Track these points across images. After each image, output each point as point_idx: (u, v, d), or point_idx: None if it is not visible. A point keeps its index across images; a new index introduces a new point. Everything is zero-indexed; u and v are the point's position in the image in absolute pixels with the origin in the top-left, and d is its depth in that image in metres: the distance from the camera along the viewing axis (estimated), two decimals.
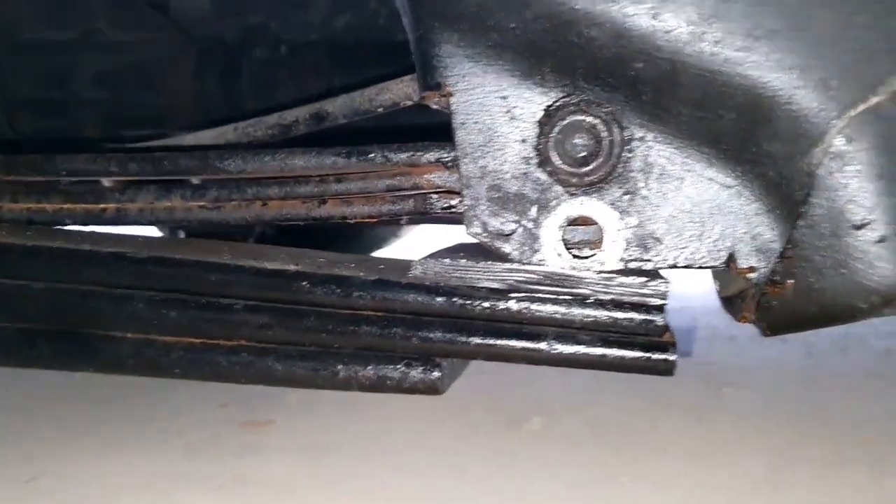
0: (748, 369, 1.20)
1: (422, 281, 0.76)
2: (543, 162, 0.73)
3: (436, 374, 0.76)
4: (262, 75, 1.56)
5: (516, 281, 0.74)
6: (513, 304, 0.74)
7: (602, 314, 0.72)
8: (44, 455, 0.95)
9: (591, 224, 0.74)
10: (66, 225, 0.87)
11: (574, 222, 0.74)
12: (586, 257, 0.73)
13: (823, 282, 0.66)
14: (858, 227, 0.64)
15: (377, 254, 2.07)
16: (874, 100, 0.64)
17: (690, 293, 1.61)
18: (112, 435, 1.02)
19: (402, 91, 0.86)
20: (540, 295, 0.74)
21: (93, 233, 0.88)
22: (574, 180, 0.73)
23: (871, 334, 1.30)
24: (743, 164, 0.69)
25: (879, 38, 0.63)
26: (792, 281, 0.68)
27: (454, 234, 0.88)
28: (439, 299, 0.75)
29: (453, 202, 0.78)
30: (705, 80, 0.67)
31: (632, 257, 0.73)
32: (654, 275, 0.73)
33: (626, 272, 0.73)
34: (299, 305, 0.78)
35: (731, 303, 0.78)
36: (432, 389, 0.76)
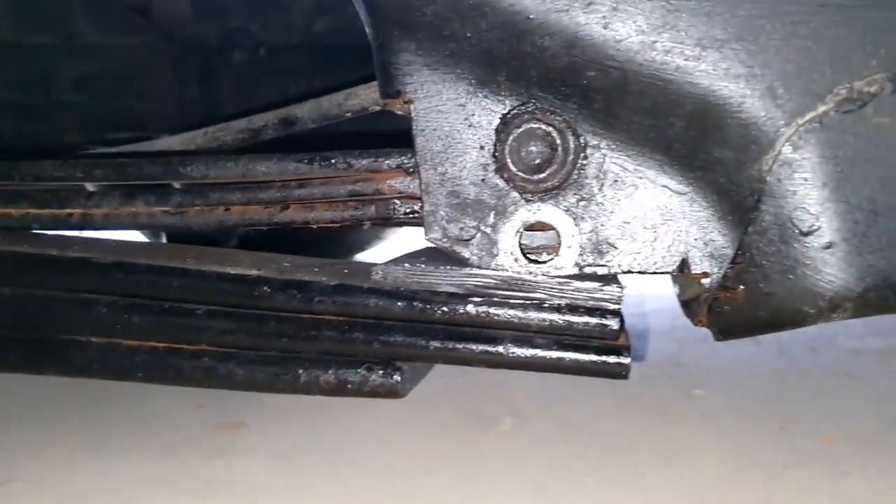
0: (720, 371, 1.21)
1: (382, 286, 0.77)
2: (500, 169, 0.74)
3: (396, 377, 0.77)
4: (242, 78, 1.57)
5: (475, 285, 0.75)
6: (471, 309, 0.75)
7: (558, 318, 0.73)
8: (15, 459, 0.96)
9: (548, 230, 0.75)
10: (34, 230, 0.87)
11: (532, 228, 0.75)
12: (543, 262, 0.74)
13: (773, 287, 0.67)
14: (806, 234, 0.66)
15: (363, 255, 2.08)
16: (821, 108, 0.65)
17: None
18: (87, 438, 1.02)
19: (369, 96, 0.87)
20: (498, 299, 0.75)
21: (62, 237, 0.89)
22: (530, 187, 0.74)
23: (843, 334, 1.32)
24: (695, 170, 0.70)
25: (823, 48, 0.64)
26: (743, 286, 0.69)
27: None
28: (400, 304, 0.76)
29: (416, 207, 0.79)
30: (656, 89, 0.68)
31: (587, 262, 0.74)
32: (609, 279, 0.74)
33: (581, 277, 0.74)
34: (261, 310, 0.79)
35: (689, 307, 0.79)
36: (392, 393, 0.77)
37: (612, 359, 0.72)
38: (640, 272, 0.74)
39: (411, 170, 0.77)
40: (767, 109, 0.66)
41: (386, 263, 0.78)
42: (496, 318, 0.74)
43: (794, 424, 0.98)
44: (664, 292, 1.66)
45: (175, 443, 1.02)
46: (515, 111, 0.73)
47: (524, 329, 0.74)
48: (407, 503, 0.83)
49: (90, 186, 0.83)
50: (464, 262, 0.75)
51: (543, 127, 0.72)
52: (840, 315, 0.66)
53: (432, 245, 0.78)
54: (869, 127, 0.64)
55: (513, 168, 0.73)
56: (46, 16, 1.48)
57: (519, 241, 0.74)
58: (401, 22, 0.73)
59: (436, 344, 0.75)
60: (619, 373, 0.73)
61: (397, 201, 0.79)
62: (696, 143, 0.69)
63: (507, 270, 0.74)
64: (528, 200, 0.74)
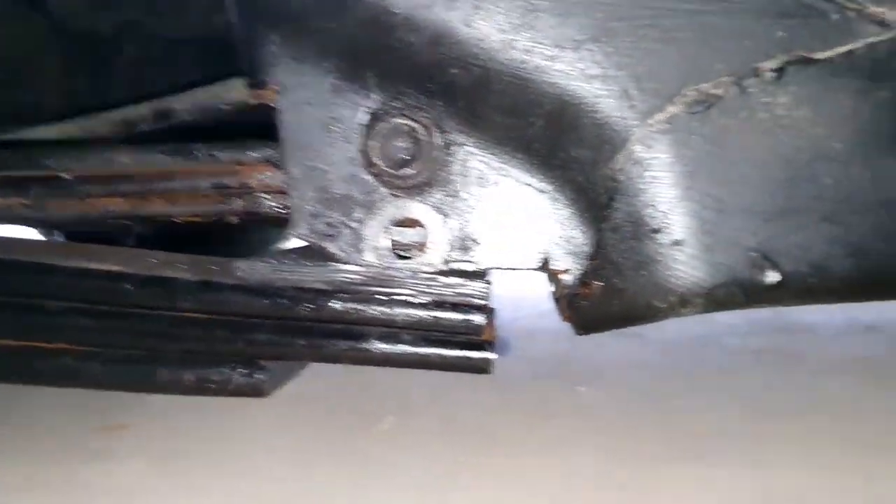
0: (606, 367, 1.24)
1: (247, 282, 0.75)
2: (368, 164, 0.74)
3: (260, 376, 0.75)
4: (135, 72, 1.52)
5: (342, 282, 0.74)
6: (338, 305, 0.74)
7: (424, 314, 0.74)
8: None
9: (417, 226, 0.75)
10: None
11: (401, 224, 0.75)
12: (411, 258, 0.75)
13: (626, 283, 0.69)
14: (656, 231, 0.67)
15: None
16: (670, 110, 0.67)
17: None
18: None
19: (248, 89, 0.85)
20: (365, 295, 0.74)
21: None
22: (397, 182, 0.74)
23: (726, 333, 1.36)
24: (555, 169, 0.72)
25: (673, 51, 0.66)
26: (599, 282, 0.70)
27: None
28: (264, 301, 0.75)
29: (285, 202, 0.78)
30: (516, 88, 0.69)
31: (454, 259, 0.74)
32: (476, 275, 0.75)
33: (448, 273, 0.74)
34: (123, 308, 0.76)
35: (559, 303, 0.80)
36: (257, 392, 0.76)
37: (475, 354, 0.73)
38: (505, 268, 0.75)
39: (279, 163, 0.76)
40: (620, 110, 0.67)
41: (251, 259, 0.77)
42: (363, 314, 0.74)
43: (669, 419, 1.01)
44: None
45: (52, 446, 0.97)
46: (383, 107, 0.73)
47: (391, 325, 0.74)
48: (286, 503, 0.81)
49: None
50: (330, 258, 0.75)
51: (410, 123, 0.72)
52: (690, 310, 0.68)
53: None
54: (715, 128, 0.66)
55: (380, 163, 0.73)
56: None
57: (387, 237, 0.74)
58: (267, 14, 0.72)
59: (301, 342, 0.74)
60: (483, 368, 0.73)
61: (265, 195, 0.78)
62: (555, 142, 0.70)
63: (374, 266, 0.74)
64: (395, 196, 0.74)
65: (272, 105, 0.76)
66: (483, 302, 0.74)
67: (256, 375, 0.75)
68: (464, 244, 0.74)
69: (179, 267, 0.79)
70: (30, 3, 1.49)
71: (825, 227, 0.64)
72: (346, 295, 0.74)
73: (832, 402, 0.99)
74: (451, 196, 0.74)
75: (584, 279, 0.71)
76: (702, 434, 0.96)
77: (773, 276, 0.64)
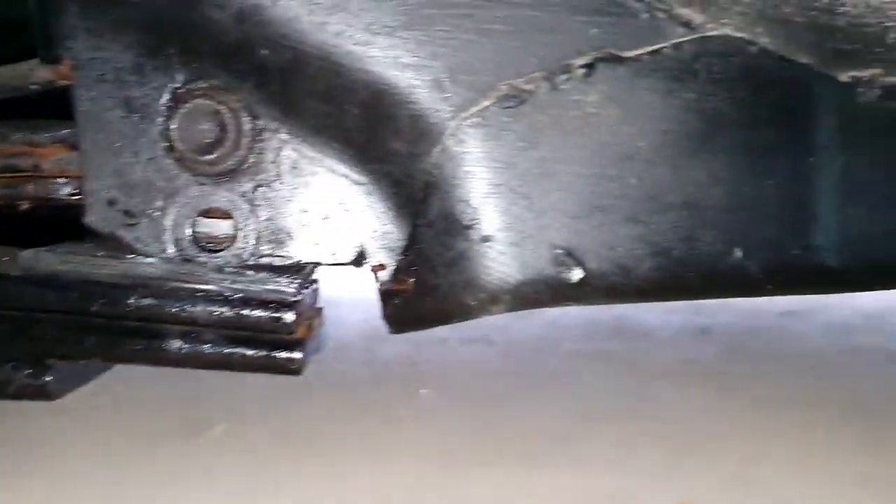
0: (450, 371, 1.22)
1: (33, 274, 0.68)
2: (170, 148, 0.68)
3: (46, 378, 0.68)
4: None
5: (139, 275, 0.69)
6: (134, 301, 0.69)
7: (228, 311, 0.69)
8: None
9: (225, 218, 0.70)
10: None
11: (207, 214, 0.70)
12: (217, 251, 0.70)
13: (439, 279, 0.67)
14: (468, 227, 0.66)
15: None
16: (483, 104, 0.65)
17: None
18: None
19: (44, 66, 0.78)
20: (164, 291, 0.69)
21: None
22: (202, 168, 0.69)
23: (565, 338, 1.38)
24: (372, 161, 0.69)
25: (487, 44, 0.65)
26: (413, 279, 0.68)
27: None
28: (52, 295, 0.68)
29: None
30: (329, 73, 0.66)
31: (264, 252, 0.70)
32: (289, 270, 0.71)
33: (257, 268, 0.70)
34: None
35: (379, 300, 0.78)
36: (42, 395, 0.69)
37: (282, 354, 0.69)
38: (318, 263, 0.71)
39: (76, 145, 0.70)
40: (435, 102, 0.65)
41: (40, 249, 0.70)
42: (161, 311, 0.68)
43: (502, 421, 1.00)
44: None
45: None
46: (186, 87, 0.68)
47: (192, 323, 0.69)
48: None
49: None
50: (129, 250, 0.69)
51: (215, 105, 0.68)
52: (499, 308, 0.67)
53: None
54: (527, 124, 0.65)
55: (182, 147, 0.68)
56: None
57: (192, 228, 0.69)
58: None
59: (92, 340, 0.68)
60: (293, 369, 0.69)
61: (61, 180, 0.71)
62: (372, 132, 0.68)
63: (176, 259, 0.69)
64: (201, 184, 0.69)
65: (69, 82, 0.69)
66: (294, 299, 0.70)
67: (42, 377, 0.68)
68: (275, 237, 0.70)
69: None
70: None
71: (629, 226, 0.64)
72: (143, 290, 0.68)
73: (657, 405, 1.02)
74: (262, 186, 0.70)
75: (398, 275, 0.69)
76: (530, 436, 0.96)
77: (577, 274, 0.64)
